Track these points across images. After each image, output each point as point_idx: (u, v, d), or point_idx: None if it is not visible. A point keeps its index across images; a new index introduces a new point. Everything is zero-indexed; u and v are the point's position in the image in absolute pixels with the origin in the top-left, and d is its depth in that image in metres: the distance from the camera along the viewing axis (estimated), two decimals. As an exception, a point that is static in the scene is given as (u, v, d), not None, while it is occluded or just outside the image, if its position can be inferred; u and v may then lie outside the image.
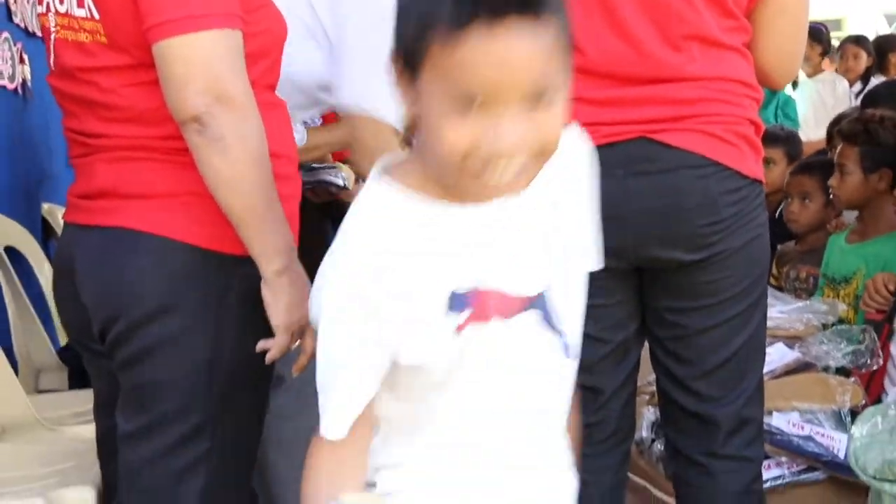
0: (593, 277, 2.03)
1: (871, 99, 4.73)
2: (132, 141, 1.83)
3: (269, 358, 1.80)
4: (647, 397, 2.77)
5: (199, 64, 1.69)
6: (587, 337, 2.07)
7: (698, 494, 2.19)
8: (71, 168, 1.97)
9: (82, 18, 1.80)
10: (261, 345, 1.80)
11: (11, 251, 3.29)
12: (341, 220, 1.59)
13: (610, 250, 1.99)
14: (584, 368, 2.07)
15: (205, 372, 1.84)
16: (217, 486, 1.89)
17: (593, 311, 2.05)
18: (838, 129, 3.61)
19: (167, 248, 1.81)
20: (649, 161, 2.01)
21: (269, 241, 1.76)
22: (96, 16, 1.77)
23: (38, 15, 1.93)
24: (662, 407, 2.25)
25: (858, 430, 2.00)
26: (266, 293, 1.78)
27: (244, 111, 1.72)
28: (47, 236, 3.73)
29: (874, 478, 1.86)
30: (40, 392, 3.17)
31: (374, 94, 2.42)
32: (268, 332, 1.84)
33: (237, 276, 1.83)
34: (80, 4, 1.79)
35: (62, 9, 1.83)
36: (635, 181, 2.02)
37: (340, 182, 2.83)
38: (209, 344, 1.83)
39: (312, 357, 1.73)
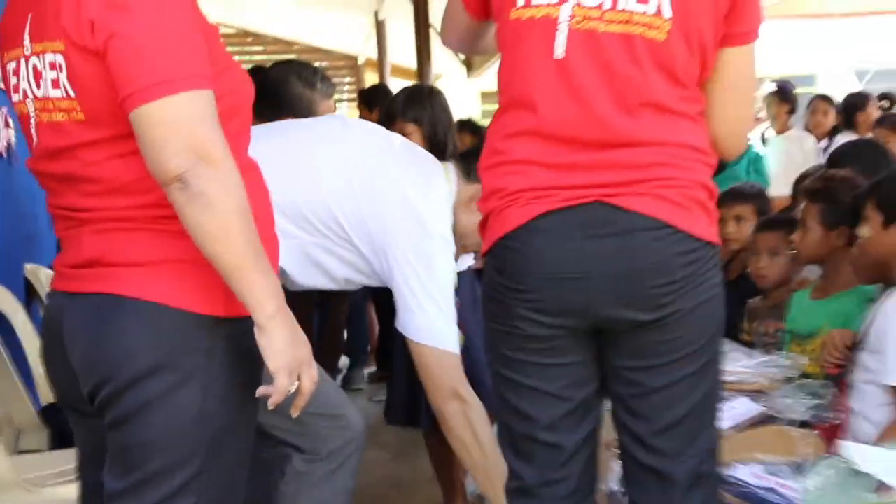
0: (553, 337, 2.09)
1: (836, 157, 4.77)
2: (117, 212, 1.87)
3: (271, 403, 1.83)
4: (616, 451, 2.79)
5: (176, 125, 1.73)
6: (551, 395, 2.15)
7: None
8: (52, 232, 2.01)
9: (58, 99, 1.84)
10: (261, 391, 1.85)
11: (-6, 314, 3.32)
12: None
13: (568, 312, 2.08)
14: (547, 426, 2.16)
15: (193, 429, 1.87)
16: None
17: (555, 370, 2.14)
18: (802, 186, 3.64)
19: (155, 312, 1.85)
20: (605, 224, 2.03)
21: (258, 289, 1.78)
22: (72, 94, 1.82)
23: (16, 103, 1.96)
24: (623, 463, 2.25)
25: (811, 482, 2.03)
26: (261, 339, 1.80)
27: (224, 166, 1.75)
28: (30, 296, 3.75)
29: (826, 530, 1.88)
30: (21, 452, 3.16)
31: (435, 327, 2.75)
32: (252, 385, 1.89)
33: (222, 336, 1.88)
34: (56, 85, 1.83)
35: (39, 93, 1.87)
36: (592, 244, 2.04)
37: None
38: (197, 402, 1.87)
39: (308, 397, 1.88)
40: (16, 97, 1.95)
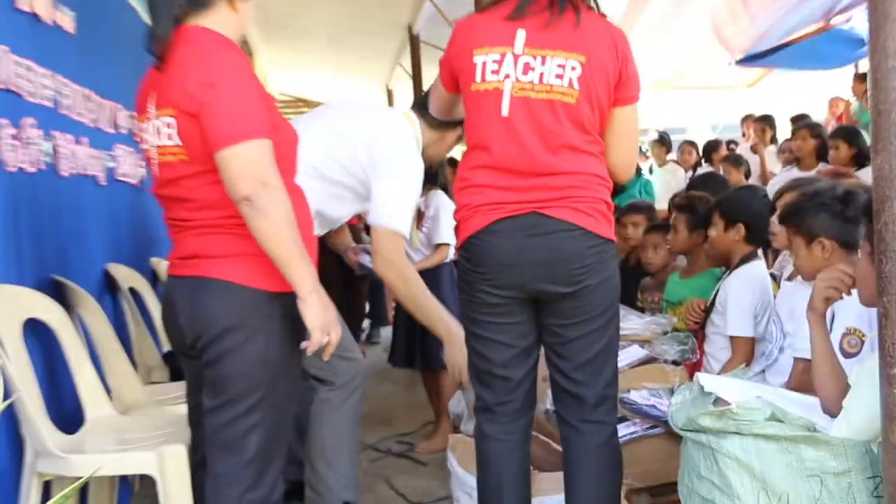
0: (503, 304, 2.12)
1: (694, 183, 4.81)
2: (208, 221, 1.93)
3: (309, 351, 1.88)
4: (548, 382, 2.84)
5: (246, 163, 1.79)
6: (502, 344, 2.18)
7: (574, 446, 2.21)
8: (168, 236, 2.07)
9: (171, 146, 1.91)
10: (303, 344, 1.90)
11: (132, 291, 3.36)
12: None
13: (513, 286, 2.12)
14: (501, 365, 2.19)
15: (259, 368, 1.93)
16: (269, 442, 1.97)
17: (506, 327, 2.17)
18: (673, 202, 3.67)
19: (232, 288, 1.91)
20: (538, 227, 2.07)
21: (300, 273, 1.84)
22: (180, 143, 1.88)
23: (144, 150, 2.02)
24: (552, 389, 2.28)
25: (674, 399, 2.07)
26: (301, 307, 1.85)
27: (277, 191, 1.82)
28: (154, 279, 3.80)
29: (682, 429, 1.93)
30: (151, 383, 3.20)
31: (395, 215, 2.59)
32: (298, 340, 1.94)
33: (277, 305, 1.92)
34: (170, 138, 1.90)
35: (159, 142, 1.93)
36: (529, 240, 2.07)
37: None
38: (261, 349, 1.92)
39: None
40: (144, 146, 2.01)
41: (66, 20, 2.89)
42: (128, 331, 3.25)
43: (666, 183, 7.19)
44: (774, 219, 2.68)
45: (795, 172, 5.47)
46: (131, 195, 3.62)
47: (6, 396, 2.03)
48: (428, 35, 8.73)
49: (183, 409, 2.25)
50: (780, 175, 5.80)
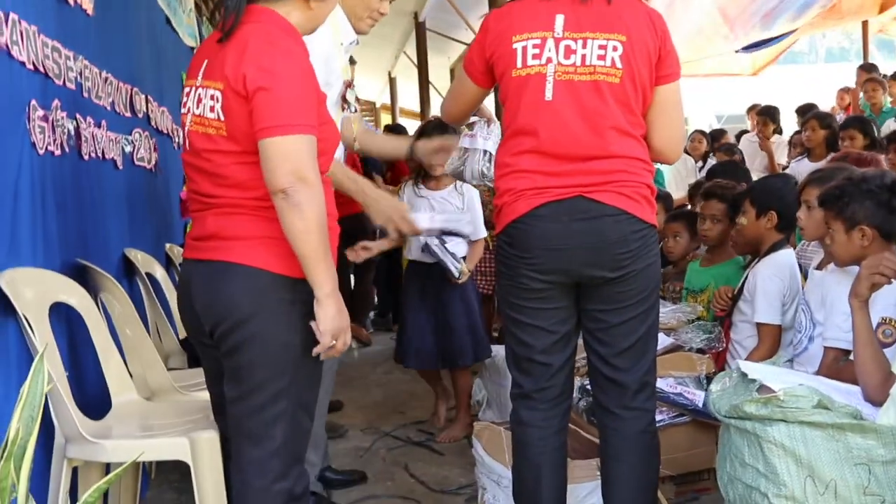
0: (546, 289, 2.11)
1: (713, 172, 4.81)
2: (231, 200, 1.89)
3: (314, 352, 1.85)
4: (577, 370, 2.83)
5: (288, 154, 1.77)
6: (543, 330, 2.17)
7: (614, 434, 2.19)
8: (181, 220, 2.02)
9: (212, 119, 1.87)
10: (315, 350, 1.85)
11: (149, 275, 3.34)
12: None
13: (558, 271, 2.11)
14: (541, 351, 2.18)
15: (282, 354, 1.89)
16: (295, 430, 1.93)
17: (547, 312, 2.16)
18: (705, 190, 3.61)
19: (253, 273, 1.87)
20: (584, 212, 2.06)
21: (322, 274, 1.81)
22: (222, 118, 1.85)
23: (182, 113, 1.99)
24: (591, 376, 2.27)
25: (714, 387, 2.06)
26: (317, 309, 1.82)
27: (315, 188, 1.79)
28: (169, 265, 3.78)
29: (725, 417, 1.93)
30: (170, 370, 3.18)
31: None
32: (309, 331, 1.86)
33: (299, 290, 1.87)
34: (212, 110, 1.87)
35: (197, 111, 1.91)
36: (575, 225, 2.06)
37: (455, 272, 3.51)
38: (283, 335, 1.88)
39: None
40: (182, 109, 1.97)
41: (87, 1, 2.86)
42: (146, 316, 3.23)
43: (677, 173, 7.16)
44: (800, 213, 2.65)
45: (806, 163, 5.47)
46: (147, 180, 3.59)
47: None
48: (434, 23, 8.72)
49: (205, 394, 2.22)
50: (792, 166, 5.79)
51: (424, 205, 3.72)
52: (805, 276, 3.07)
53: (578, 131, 2.05)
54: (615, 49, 2.03)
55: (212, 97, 1.87)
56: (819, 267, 2.58)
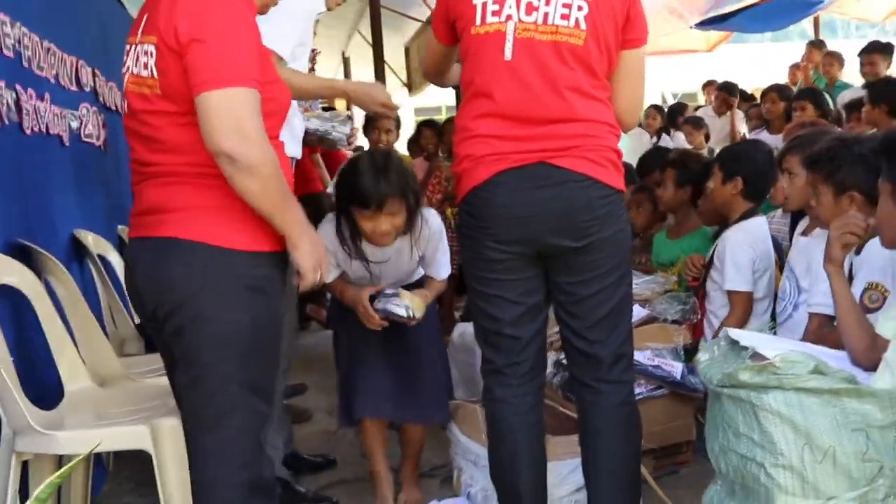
0: (509, 259, 2.02)
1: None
2: (169, 168, 1.75)
3: (301, 289, 1.82)
4: (550, 345, 2.75)
5: (229, 111, 1.62)
6: (510, 301, 2.08)
7: (592, 408, 2.12)
8: (132, 199, 1.88)
9: (146, 77, 1.73)
10: (295, 280, 1.79)
11: (102, 258, 3.16)
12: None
13: (521, 240, 2.01)
14: (509, 323, 2.08)
15: (229, 336, 1.74)
16: (253, 416, 1.80)
17: (513, 283, 2.07)
18: (669, 160, 3.56)
19: (192, 247, 1.73)
20: (546, 178, 1.96)
21: (289, 223, 1.73)
22: (155, 75, 1.71)
23: (122, 74, 1.84)
24: (565, 350, 2.19)
25: (702, 356, 1.96)
26: (293, 252, 1.75)
27: (261, 144, 1.65)
28: (122, 246, 3.60)
29: (717, 386, 1.84)
30: (124, 356, 3.02)
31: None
32: (268, 302, 1.78)
33: (244, 264, 1.74)
34: (146, 67, 1.73)
35: (135, 71, 1.76)
36: (537, 192, 1.97)
37: (403, 312, 2.46)
38: (230, 314, 1.74)
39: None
40: (123, 70, 1.83)
41: (23, -35, 2.66)
42: (98, 300, 3.05)
43: (632, 148, 7.13)
44: (783, 181, 2.57)
45: (765, 135, 5.49)
46: (96, 157, 3.40)
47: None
48: (389, 0, 8.52)
49: (163, 381, 2.09)
50: (751, 139, 5.78)
51: (360, 270, 2.60)
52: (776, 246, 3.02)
53: (539, 93, 1.95)
54: (580, 9, 1.93)
55: (146, 53, 1.72)
56: (804, 233, 2.51)
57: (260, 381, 1.82)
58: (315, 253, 1.77)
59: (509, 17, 1.95)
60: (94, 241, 3.10)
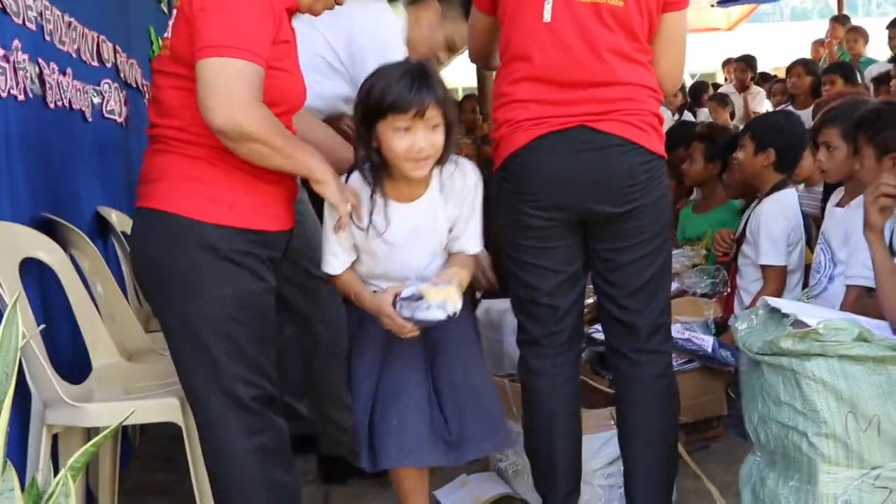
0: (548, 227, 1.97)
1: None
2: (163, 131, 1.76)
3: (342, 223, 1.80)
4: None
5: (223, 85, 1.60)
6: (548, 270, 2.04)
7: (630, 379, 2.09)
8: None
9: (167, 38, 1.76)
10: (335, 224, 1.81)
11: (126, 235, 3.13)
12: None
13: (561, 206, 1.98)
14: (547, 293, 2.05)
15: (200, 310, 1.73)
16: (248, 388, 1.78)
17: (551, 251, 2.03)
18: (697, 133, 3.52)
19: (165, 218, 1.72)
20: (587, 142, 1.93)
21: (309, 168, 1.73)
22: (169, 36, 1.74)
23: (162, 39, 1.86)
24: (602, 319, 2.17)
25: (740, 325, 1.93)
26: (319, 188, 1.75)
27: (252, 112, 1.62)
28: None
29: (758, 354, 1.81)
30: (150, 332, 3.00)
31: None
32: (250, 281, 1.76)
33: (218, 238, 1.72)
34: (168, 29, 1.76)
35: (167, 35, 1.78)
36: (578, 156, 1.93)
37: (441, 315, 1.85)
38: (208, 291, 1.72)
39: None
40: (165, 34, 1.84)
41: (44, -62, 2.63)
42: (123, 277, 3.03)
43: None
44: (820, 155, 2.51)
45: (791, 110, 5.41)
46: (118, 134, 3.36)
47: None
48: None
49: None
50: (776, 113, 5.71)
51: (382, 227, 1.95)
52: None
53: (580, 55, 1.91)
54: None
55: (174, 16, 1.75)
56: (840, 204, 2.46)
57: (236, 354, 1.77)
58: (340, 191, 1.77)
59: None
60: (117, 219, 3.08)
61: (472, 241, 2.03)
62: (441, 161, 1.89)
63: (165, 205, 1.72)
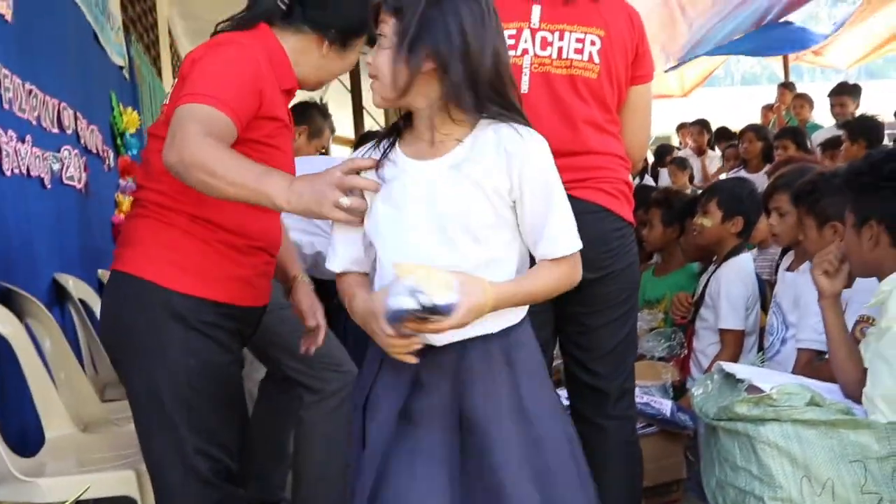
0: None
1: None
2: (145, 194, 1.76)
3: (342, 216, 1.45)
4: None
5: (183, 123, 1.53)
6: None
7: (598, 446, 2.04)
8: (114, 245, 1.88)
9: (165, 105, 1.81)
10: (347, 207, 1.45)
11: (82, 302, 3.10)
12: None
13: None
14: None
15: (173, 379, 1.69)
16: (191, 457, 1.73)
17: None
18: (654, 199, 3.58)
19: (133, 282, 1.70)
20: None
21: (265, 191, 1.45)
22: (166, 102, 1.77)
23: (162, 105, 1.88)
24: (569, 384, 2.16)
25: (696, 391, 1.96)
26: (293, 203, 1.45)
27: (192, 141, 1.50)
28: (102, 291, 3.54)
29: (713, 419, 1.83)
30: (106, 401, 2.95)
31: None
32: (216, 353, 1.72)
33: (190, 308, 1.69)
34: (168, 97, 1.78)
35: (165, 102, 1.83)
36: None
37: (409, 304, 1.32)
38: (174, 357, 1.69)
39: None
40: (165, 100, 1.89)
41: (4, 6, 2.65)
42: (79, 345, 2.99)
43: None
44: (772, 220, 2.59)
45: (743, 174, 5.57)
46: (77, 201, 3.35)
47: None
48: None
49: None
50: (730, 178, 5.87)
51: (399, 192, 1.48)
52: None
53: (555, 126, 1.95)
54: (593, 43, 1.97)
55: (174, 85, 1.79)
56: (790, 268, 2.53)
57: (215, 426, 1.75)
58: (314, 205, 1.43)
59: (525, 52, 1.98)
60: (74, 285, 3.05)
61: (558, 240, 1.45)
62: (401, 92, 1.39)
63: (137, 269, 1.71)
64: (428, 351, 1.40)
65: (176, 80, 1.76)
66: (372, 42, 1.65)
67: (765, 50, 8.65)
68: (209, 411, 1.74)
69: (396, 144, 1.48)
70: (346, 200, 1.41)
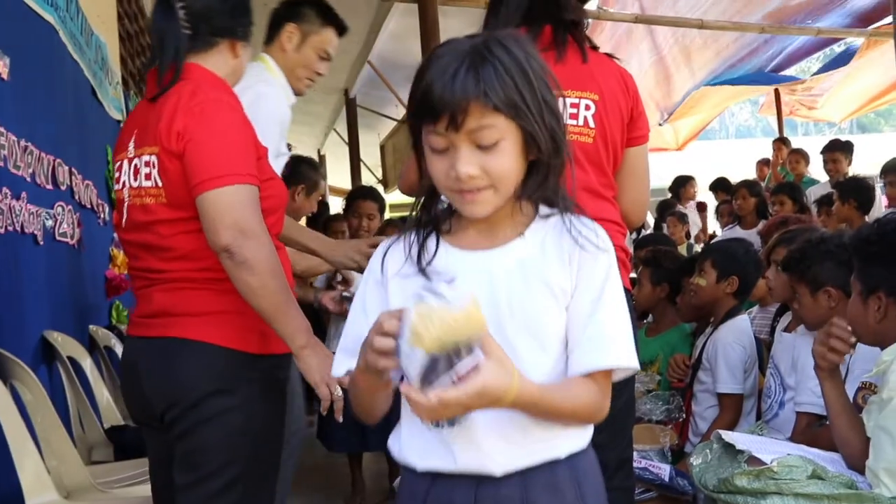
0: None
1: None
2: (180, 274, 1.75)
3: (323, 409, 1.71)
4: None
5: (229, 208, 1.62)
6: None
7: None
8: (107, 300, 1.86)
9: (149, 187, 1.74)
10: (323, 406, 1.71)
11: (71, 360, 3.05)
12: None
13: None
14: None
15: (239, 439, 1.73)
16: None
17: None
18: (642, 259, 3.58)
19: (209, 350, 1.72)
20: None
21: (291, 326, 1.67)
22: (160, 184, 1.72)
23: (116, 191, 1.84)
24: None
25: (695, 460, 1.92)
26: (299, 363, 1.70)
27: (260, 239, 1.65)
28: (93, 348, 3.49)
29: (713, 491, 1.78)
30: (92, 463, 2.88)
31: None
32: (279, 406, 1.79)
33: (258, 368, 1.75)
34: (148, 178, 1.74)
35: (135, 184, 1.77)
36: None
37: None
38: (241, 418, 1.73)
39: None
40: (116, 186, 1.84)
41: (0, 64, 2.65)
42: (67, 404, 2.93)
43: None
44: (769, 273, 2.57)
45: (738, 231, 5.56)
46: (70, 256, 3.32)
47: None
48: (365, 99, 8.68)
49: (133, 491, 2.04)
50: (724, 234, 5.86)
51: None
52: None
53: None
54: (587, 108, 1.95)
55: (147, 164, 1.74)
56: (787, 329, 2.49)
57: (261, 487, 1.79)
58: (325, 366, 1.69)
59: None
60: (63, 343, 3.00)
61: (609, 347, 1.18)
62: (526, 193, 1.20)
63: (201, 335, 1.72)
64: (483, 482, 1.16)
65: (157, 149, 1.72)
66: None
67: (752, 79, 8.74)
68: (264, 471, 1.81)
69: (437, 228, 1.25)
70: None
